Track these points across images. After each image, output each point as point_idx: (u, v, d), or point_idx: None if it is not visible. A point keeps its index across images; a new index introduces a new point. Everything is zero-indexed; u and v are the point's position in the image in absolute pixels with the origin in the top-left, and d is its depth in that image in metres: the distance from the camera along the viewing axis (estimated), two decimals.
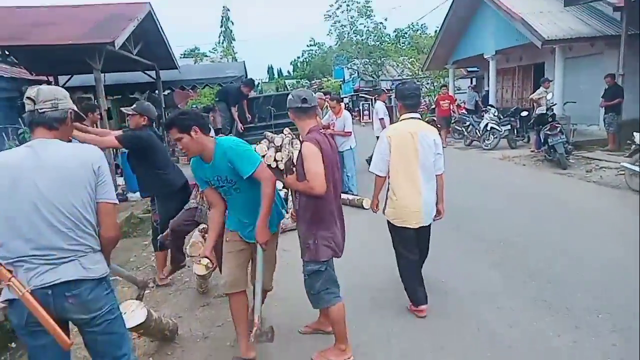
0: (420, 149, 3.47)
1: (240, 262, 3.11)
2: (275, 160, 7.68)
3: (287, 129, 8.62)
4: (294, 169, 2.92)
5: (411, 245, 3.66)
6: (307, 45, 33.90)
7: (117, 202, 2.15)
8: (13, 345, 3.41)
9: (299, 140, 8.02)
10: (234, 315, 3.09)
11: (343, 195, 7.30)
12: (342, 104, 8.20)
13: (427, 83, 23.53)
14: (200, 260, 3.88)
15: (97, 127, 7.92)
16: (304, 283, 3.01)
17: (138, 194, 8.90)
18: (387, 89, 26.95)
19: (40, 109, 2.03)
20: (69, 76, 13.49)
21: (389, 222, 3.71)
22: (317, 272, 2.92)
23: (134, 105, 4.35)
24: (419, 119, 3.69)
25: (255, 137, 8.50)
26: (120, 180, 9.44)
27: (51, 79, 13.30)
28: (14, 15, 10.12)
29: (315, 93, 11.15)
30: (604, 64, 11.63)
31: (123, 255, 5.48)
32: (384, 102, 9.55)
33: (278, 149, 7.80)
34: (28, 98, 2.05)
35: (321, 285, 2.94)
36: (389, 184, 3.65)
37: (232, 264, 3.07)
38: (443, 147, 3.81)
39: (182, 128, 2.77)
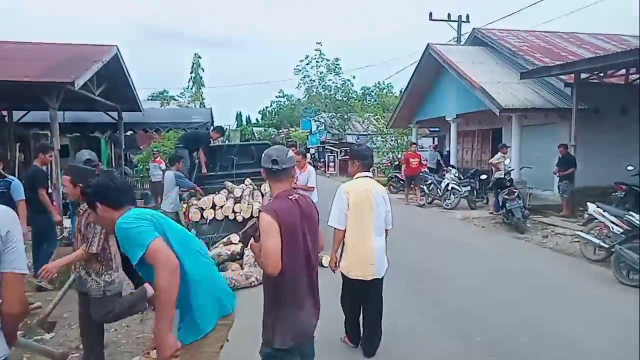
0: (374, 205, 3.77)
1: None
2: (233, 212, 7.48)
3: (248, 179, 8.49)
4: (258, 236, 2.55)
5: (357, 301, 3.89)
6: (276, 96, 34.50)
7: (26, 272, 1.84)
8: None
9: (260, 192, 7.90)
10: None
11: None
12: (307, 158, 8.15)
13: (392, 140, 24.13)
14: (149, 352, 3.49)
15: (48, 168, 7.45)
16: None
17: None
18: (356, 143, 27.64)
19: None
20: (26, 112, 12.97)
21: (343, 276, 3.89)
22: (271, 358, 2.50)
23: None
24: (371, 177, 3.98)
25: (215, 186, 8.28)
26: (67, 223, 8.88)
27: (5, 113, 12.77)
28: None
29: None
30: (557, 133, 12.24)
31: (58, 310, 4.97)
32: None
33: (237, 200, 7.61)
34: None
35: None
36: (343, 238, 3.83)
37: None
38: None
39: (88, 202, 2.45)
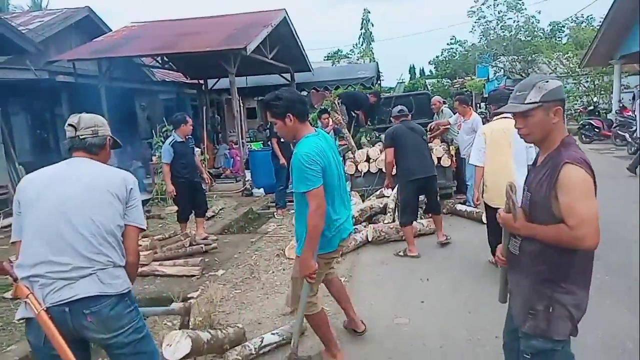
0: (512, 143, 4.16)
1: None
2: None
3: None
4: (512, 202, 1.95)
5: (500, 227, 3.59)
6: (448, 44, 32.12)
7: (144, 227, 2.13)
8: None
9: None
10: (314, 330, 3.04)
11: (460, 207, 6.67)
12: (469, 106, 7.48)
13: (586, 81, 20.55)
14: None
15: (239, 126, 8.70)
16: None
17: (262, 190, 9.41)
18: None
19: (81, 135, 2.11)
20: (217, 79, 14.79)
21: (486, 206, 4.47)
22: (546, 353, 1.92)
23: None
24: (510, 118, 4.27)
25: (373, 139, 8.29)
26: (248, 175, 10.03)
27: (202, 82, 14.80)
28: (169, 27, 11.44)
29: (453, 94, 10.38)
30: None
31: (229, 250, 5.72)
32: None
33: None
34: (70, 125, 2.12)
35: None
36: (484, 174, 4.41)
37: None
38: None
39: (277, 114, 2.73)
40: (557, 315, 1.89)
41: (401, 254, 5.14)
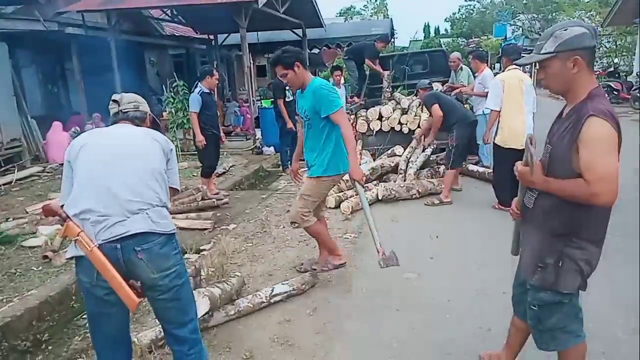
0: (525, 90, 4.81)
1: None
2: (400, 123, 7.28)
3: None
4: (530, 155, 1.87)
5: (511, 169, 3.59)
6: (465, 0, 31.09)
7: (179, 189, 2.33)
8: None
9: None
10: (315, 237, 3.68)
11: (472, 167, 6.63)
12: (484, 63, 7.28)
13: (608, 42, 19.82)
14: None
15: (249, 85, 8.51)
16: (528, 312, 2.08)
17: (272, 148, 9.39)
18: None
19: (124, 109, 2.28)
20: (227, 35, 14.47)
21: (498, 148, 4.89)
22: (553, 305, 1.96)
23: None
24: (520, 70, 5.11)
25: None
26: (258, 133, 10.00)
27: (212, 37, 14.50)
28: None
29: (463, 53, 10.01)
30: None
31: (240, 206, 5.78)
32: None
33: (405, 112, 7.35)
34: (113, 101, 2.30)
35: (556, 322, 1.98)
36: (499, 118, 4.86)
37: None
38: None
39: (287, 65, 3.22)
40: (567, 269, 1.89)
41: (437, 202, 5.43)
